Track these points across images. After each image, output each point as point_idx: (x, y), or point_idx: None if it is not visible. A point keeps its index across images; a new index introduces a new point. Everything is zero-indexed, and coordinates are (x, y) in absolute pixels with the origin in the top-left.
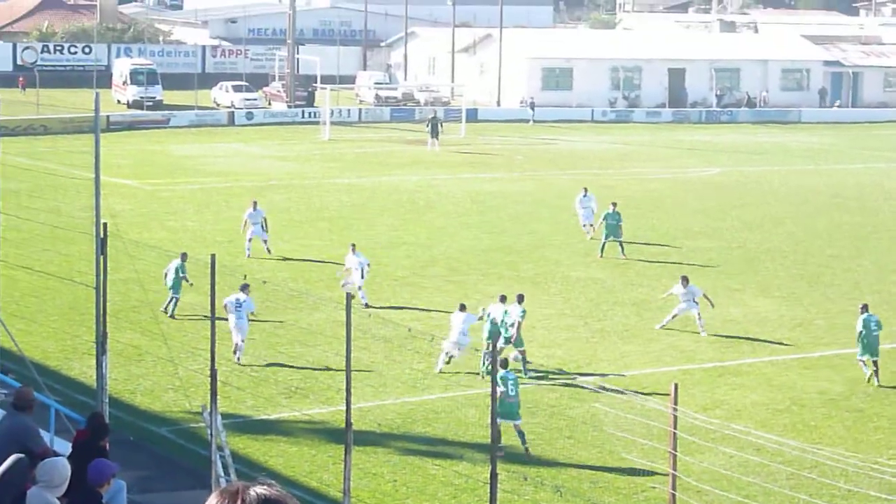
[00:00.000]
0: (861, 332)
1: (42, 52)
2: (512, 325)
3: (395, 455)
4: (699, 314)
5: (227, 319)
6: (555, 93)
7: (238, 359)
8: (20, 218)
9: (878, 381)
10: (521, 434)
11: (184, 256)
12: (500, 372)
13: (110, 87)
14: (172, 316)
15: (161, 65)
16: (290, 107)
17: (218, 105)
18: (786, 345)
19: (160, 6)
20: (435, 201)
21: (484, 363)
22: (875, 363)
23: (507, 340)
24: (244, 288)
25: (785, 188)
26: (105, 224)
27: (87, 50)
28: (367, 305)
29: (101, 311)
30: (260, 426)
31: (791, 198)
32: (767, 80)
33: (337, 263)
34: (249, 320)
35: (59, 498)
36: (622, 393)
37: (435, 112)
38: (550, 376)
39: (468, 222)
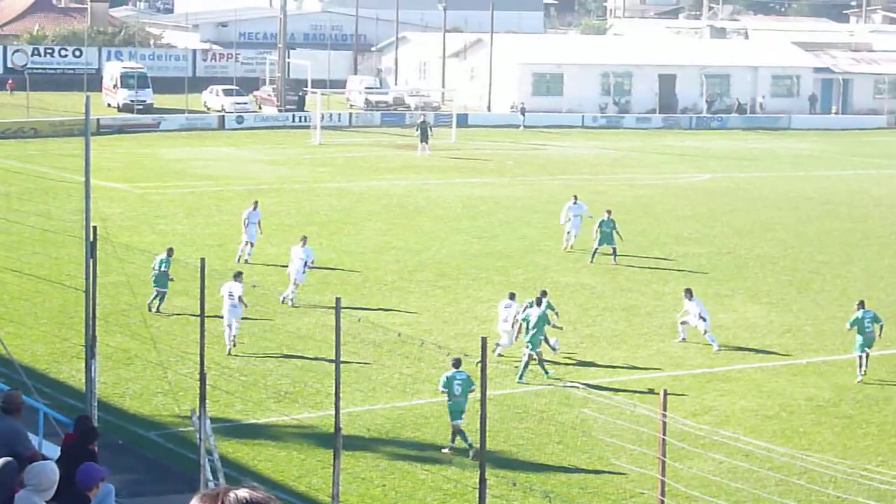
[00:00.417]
0: (855, 327)
1: (32, 55)
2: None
3: (384, 460)
4: (706, 329)
5: (221, 317)
6: (545, 98)
7: (231, 347)
8: (10, 221)
9: (861, 372)
10: (461, 433)
11: (170, 251)
12: (449, 372)
13: (101, 91)
14: (158, 310)
15: (152, 68)
16: (280, 111)
17: (208, 109)
18: (775, 351)
19: (151, 10)
20: (424, 206)
21: (524, 370)
22: (867, 357)
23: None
24: (237, 276)
25: (775, 194)
26: (95, 227)
27: (77, 53)
28: (292, 304)
29: (91, 315)
30: (249, 430)
31: (781, 204)
32: (757, 87)
33: (329, 269)
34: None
35: (47, 502)
36: (603, 388)
37: (424, 117)
38: (539, 381)
39: (458, 227)
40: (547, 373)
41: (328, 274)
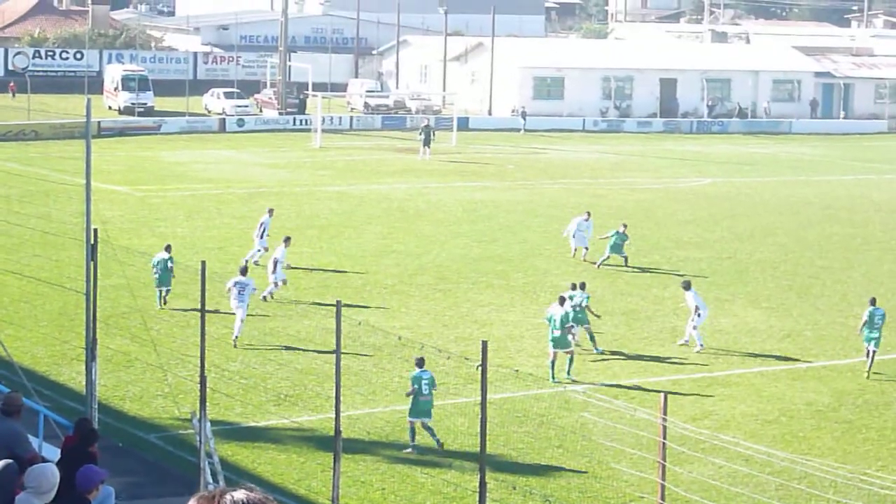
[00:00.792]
0: (865, 322)
1: (33, 57)
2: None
3: (384, 463)
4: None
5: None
6: (546, 102)
7: (235, 344)
8: (10, 223)
9: (869, 368)
10: (430, 430)
11: (168, 248)
12: (415, 371)
13: (102, 93)
14: (165, 302)
15: (152, 71)
16: (281, 114)
17: (209, 112)
18: (775, 356)
19: (152, 12)
20: (425, 210)
21: (554, 370)
22: (874, 353)
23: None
24: (244, 271)
25: (775, 199)
26: (95, 230)
27: (78, 56)
28: (263, 298)
29: (91, 317)
30: (249, 433)
31: (782, 209)
32: (758, 91)
33: (329, 272)
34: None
35: None
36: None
37: (428, 121)
38: (540, 385)
39: (458, 231)
40: (555, 375)
41: (328, 277)
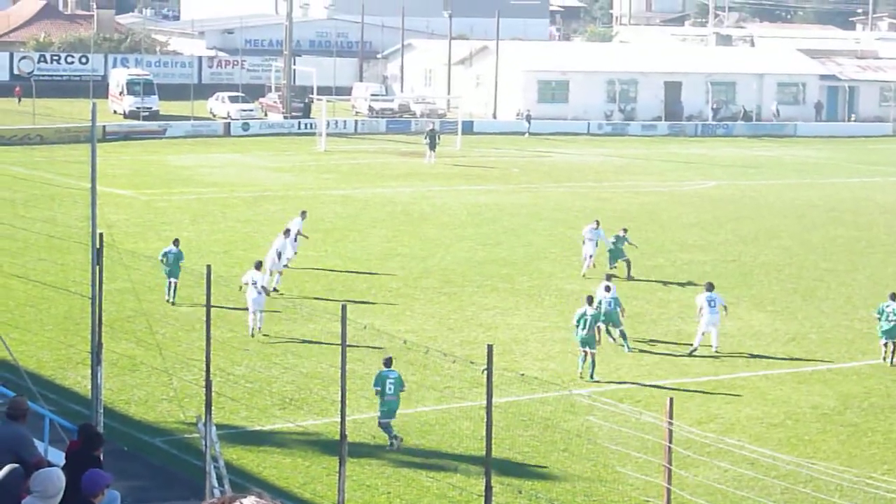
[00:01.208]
0: (880, 317)
1: (39, 61)
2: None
3: (389, 467)
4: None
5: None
6: (551, 105)
7: (258, 329)
8: (16, 227)
9: (892, 361)
10: (388, 429)
11: (176, 242)
12: (381, 371)
13: (107, 98)
14: (173, 302)
15: (157, 75)
16: (286, 118)
17: (214, 116)
18: (779, 359)
19: (157, 17)
20: (430, 213)
21: (583, 366)
22: (894, 344)
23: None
24: (258, 266)
25: (780, 202)
26: (101, 234)
27: (83, 60)
28: (274, 290)
29: (97, 321)
30: (254, 437)
31: (786, 212)
32: (763, 94)
33: (332, 271)
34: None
35: None
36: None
37: (433, 125)
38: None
39: (463, 234)
40: (581, 371)
41: (333, 280)
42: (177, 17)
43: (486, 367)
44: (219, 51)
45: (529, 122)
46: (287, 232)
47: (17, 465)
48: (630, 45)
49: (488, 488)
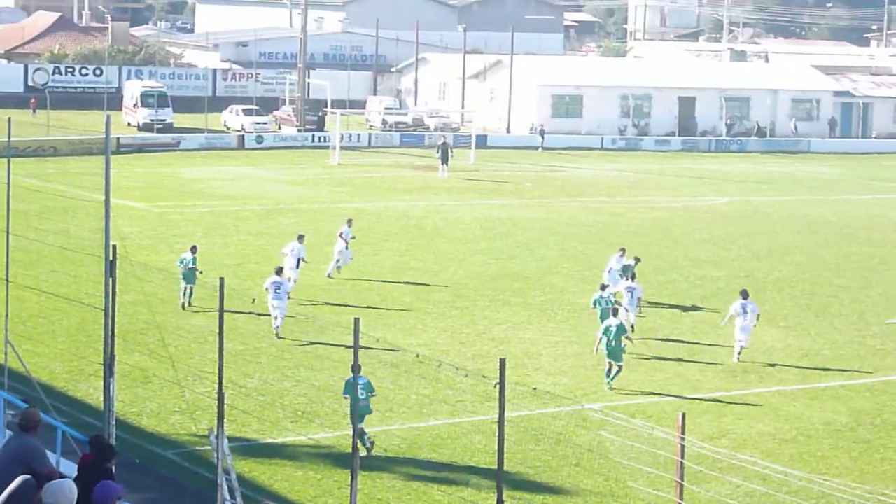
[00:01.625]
0: None
1: (53, 73)
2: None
3: (400, 481)
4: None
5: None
6: (564, 120)
7: (277, 335)
8: (29, 239)
9: None
10: (362, 436)
11: (193, 249)
12: (350, 377)
13: (121, 110)
14: (189, 304)
15: (172, 87)
16: (299, 131)
17: (228, 128)
18: (792, 375)
19: (172, 29)
20: (442, 227)
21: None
22: None
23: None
24: (279, 271)
25: (793, 218)
26: (114, 246)
27: (98, 72)
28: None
29: (109, 333)
30: (266, 450)
31: (800, 228)
32: (777, 110)
33: (347, 289)
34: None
35: None
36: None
37: (445, 138)
38: (557, 403)
39: (476, 248)
40: (610, 382)
41: (346, 293)
42: (191, 30)
43: (498, 381)
44: (233, 63)
45: (543, 137)
46: (301, 238)
47: (29, 476)
48: (644, 60)
49: (500, 502)
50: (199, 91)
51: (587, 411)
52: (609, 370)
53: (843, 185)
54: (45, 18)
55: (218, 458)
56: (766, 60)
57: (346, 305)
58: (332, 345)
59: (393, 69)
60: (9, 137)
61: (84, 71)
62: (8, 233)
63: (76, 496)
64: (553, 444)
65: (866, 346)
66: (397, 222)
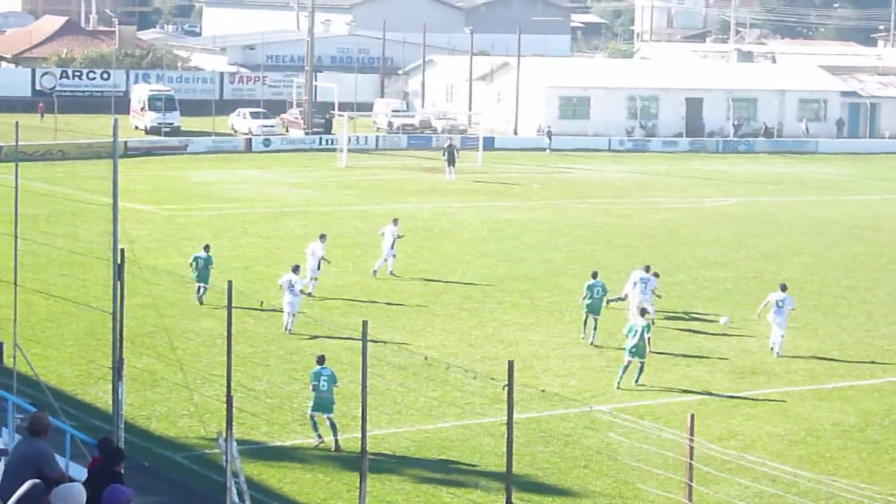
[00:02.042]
0: None
1: (61, 77)
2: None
3: (409, 483)
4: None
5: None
6: (572, 121)
7: (290, 329)
8: (37, 243)
9: None
10: (333, 426)
11: (206, 248)
12: (315, 368)
13: (128, 113)
14: (201, 302)
15: (179, 91)
16: (307, 133)
17: (235, 131)
18: (801, 376)
19: (179, 32)
20: (450, 229)
21: (623, 376)
22: None
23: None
24: (295, 269)
25: (801, 219)
26: (122, 250)
27: (105, 76)
28: (309, 294)
29: (118, 337)
30: (275, 453)
31: (807, 228)
32: (785, 111)
33: (355, 292)
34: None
35: None
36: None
37: (451, 140)
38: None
39: (484, 250)
40: (620, 381)
41: (354, 296)
42: (198, 33)
43: (506, 383)
44: (240, 67)
45: (550, 139)
46: (322, 237)
47: (38, 480)
48: (651, 62)
49: None
50: (206, 94)
51: (595, 413)
52: (626, 367)
53: (851, 186)
54: (53, 23)
55: (227, 460)
56: (773, 61)
57: (354, 307)
58: (339, 347)
59: (400, 71)
60: (16, 142)
61: (91, 75)
62: (16, 237)
63: (85, 500)
64: (562, 446)
65: (875, 347)
66: (405, 224)
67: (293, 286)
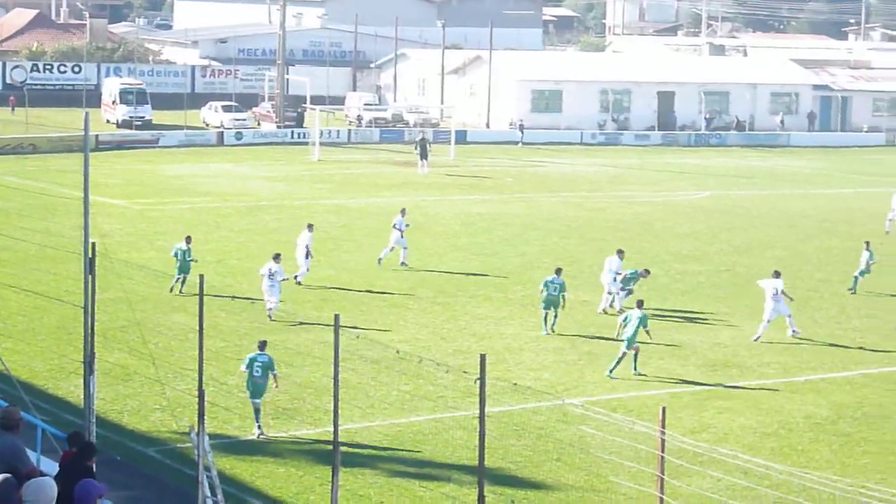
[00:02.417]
0: None
1: (32, 70)
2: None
3: (383, 477)
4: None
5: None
6: (544, 115)
7: (270, 316)
8: (9, 237)
9: None
10: (256, 412)
11: (188, 239)
12: (253, 353)
13: (100, 107)
14: (181, 292)
15: (151, 84)
16: (279, 127)
17: (207, 125)
18: (773, 369)
19: (150, 26)
20: (423, 223)
21: (615, 366)
22: None
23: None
24: (276, 257)
25: (773, 212)
26: (94, 244)
27: (76, 69)
28: (298, 282)
29: (90, 331)
30: (247, 447)
31: (780, 222)
32: (756, 104)
33: (327, 286)
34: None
35: None
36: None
37: (423, 133)
38: (538, 398)
39: (457, 244)
40: (612, 370)
41: (327, 290)
42: (170, 27)
43: (478, 376)
44: (212, 60)
45: (523, 132)
46: (310, 226)
47: (9, 475)
48: (623, 55)
49: (481, 498)
50: (178, 88)
51: (568, 406)
52: (620, 358)
53: (823, 179)
54: (23, 16)
55: (199, 455)
56: (745, 55)
57: (327, 301)
58: (312, 341)
59: (372, 65)
60: None
61: (62, 68)
62: None
63: (56, 494)
64: (534, 440)
65: (847, 340)
66: (378, 218)
67: (273, 275)
